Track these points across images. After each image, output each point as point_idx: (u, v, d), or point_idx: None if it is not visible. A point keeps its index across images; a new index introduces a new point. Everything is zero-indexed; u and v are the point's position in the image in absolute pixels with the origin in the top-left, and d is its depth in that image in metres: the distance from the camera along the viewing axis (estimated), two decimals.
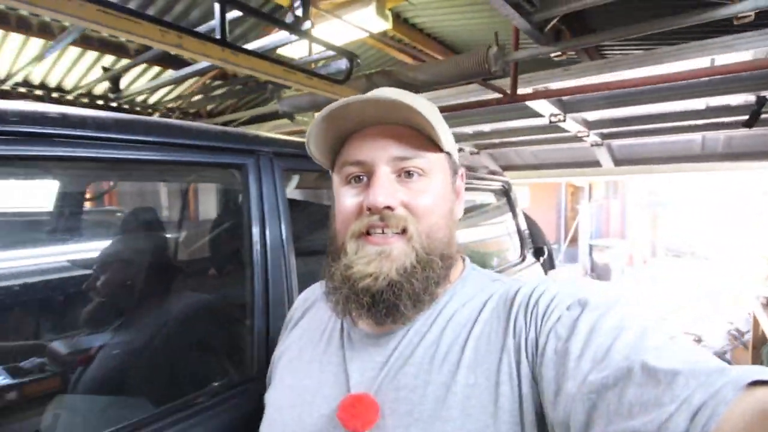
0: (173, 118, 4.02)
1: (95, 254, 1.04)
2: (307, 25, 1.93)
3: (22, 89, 3.45)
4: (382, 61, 3.20)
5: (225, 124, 3.84)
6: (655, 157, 4.07)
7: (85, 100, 3.74)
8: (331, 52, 2.15)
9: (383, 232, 0.53)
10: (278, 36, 2.08)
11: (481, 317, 0.53)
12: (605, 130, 3.65)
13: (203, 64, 2.39)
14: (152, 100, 4.02)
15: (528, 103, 2.77)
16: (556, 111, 3.14)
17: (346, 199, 0.56)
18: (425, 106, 0.56)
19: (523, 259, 2.42)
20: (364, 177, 0.56)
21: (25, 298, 0.92)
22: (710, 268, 10.77)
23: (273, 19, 1.98)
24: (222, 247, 1.31)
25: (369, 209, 0.53)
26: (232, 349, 1.07)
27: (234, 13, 1.83)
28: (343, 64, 2.23)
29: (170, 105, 4.07)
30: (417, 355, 0.53)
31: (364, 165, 0.55)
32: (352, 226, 0.55)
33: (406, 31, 2.59)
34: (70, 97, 3.58)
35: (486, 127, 4.00)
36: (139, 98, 3.86)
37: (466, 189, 0.65)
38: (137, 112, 3.99)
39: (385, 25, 2.17)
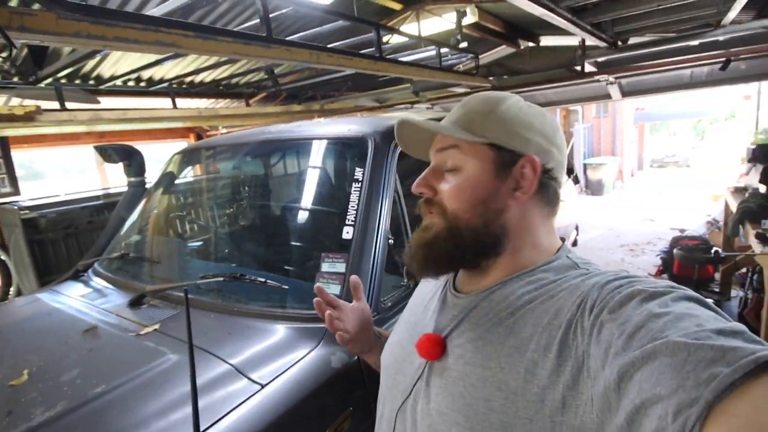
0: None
1: None
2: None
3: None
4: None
5: None
6: (655, 87, 4.85)
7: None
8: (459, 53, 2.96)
9: (430, 212, 0.68)
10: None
11: (540, 297, 0.59)
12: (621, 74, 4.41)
13: None
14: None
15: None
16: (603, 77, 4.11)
17: None
18: (463, 111, 0.69)
19: None
20: None
21: None
22: (691, 174, 12.37)
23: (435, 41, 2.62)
24: None
25: (413, 192, 0.69)
26: None
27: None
28: (468, 59, 3.29)
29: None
30: (481, 316, 0.64)
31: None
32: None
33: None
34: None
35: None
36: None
37: None
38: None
39: (473, 18, 2.91)
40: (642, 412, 0.39)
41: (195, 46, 1.19)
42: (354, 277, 0.92)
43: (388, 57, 2.30)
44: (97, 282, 1.70)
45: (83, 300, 1.54)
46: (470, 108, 0.68)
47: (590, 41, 2.86)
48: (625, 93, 5.10)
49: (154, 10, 1.36)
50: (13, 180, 3.56)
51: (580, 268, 0.63)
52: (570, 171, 3.57)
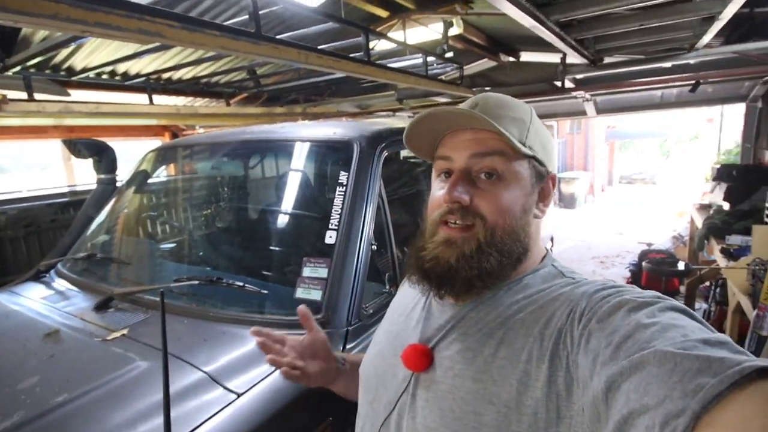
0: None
1: None
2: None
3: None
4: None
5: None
6: (628, 106, 5.18)
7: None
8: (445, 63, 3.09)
9: (456, 223, 0.61)
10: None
11: (530, 306, 0.59)
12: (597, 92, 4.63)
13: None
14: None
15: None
16: (580, 94, 4.37)
17: (436, 190, 0.66)
18: (507, 116, 0.62)
19: None
20: (450, 173, 0.64)
21: None
22: (657, 191, 13.05)
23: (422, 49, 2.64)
24: None
25: (445, 202, 0.61)
26: None
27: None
28: (452, 69, 3.38)
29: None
30: (470, 326, 0.61)
31: (449, 160, 0.64)
32: (434, 214, 0.64)
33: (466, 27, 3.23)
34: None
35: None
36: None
37: None
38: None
39: (459, 30, 2.91)
40: (629, 422, 0.38)
41: (180, 38, 1.14)
42: (301, 307, 0.79)
43: (376, 62, 2.30)
44: (60, 283, 1.61)
45: (44, 302, 1.45)
46: (513, 114, 0.63)
47: (571, 58, 2.93)
48: (600, 110, 5.33)
49: None
50: None
51: (566, 277, 0.63)
52: None
